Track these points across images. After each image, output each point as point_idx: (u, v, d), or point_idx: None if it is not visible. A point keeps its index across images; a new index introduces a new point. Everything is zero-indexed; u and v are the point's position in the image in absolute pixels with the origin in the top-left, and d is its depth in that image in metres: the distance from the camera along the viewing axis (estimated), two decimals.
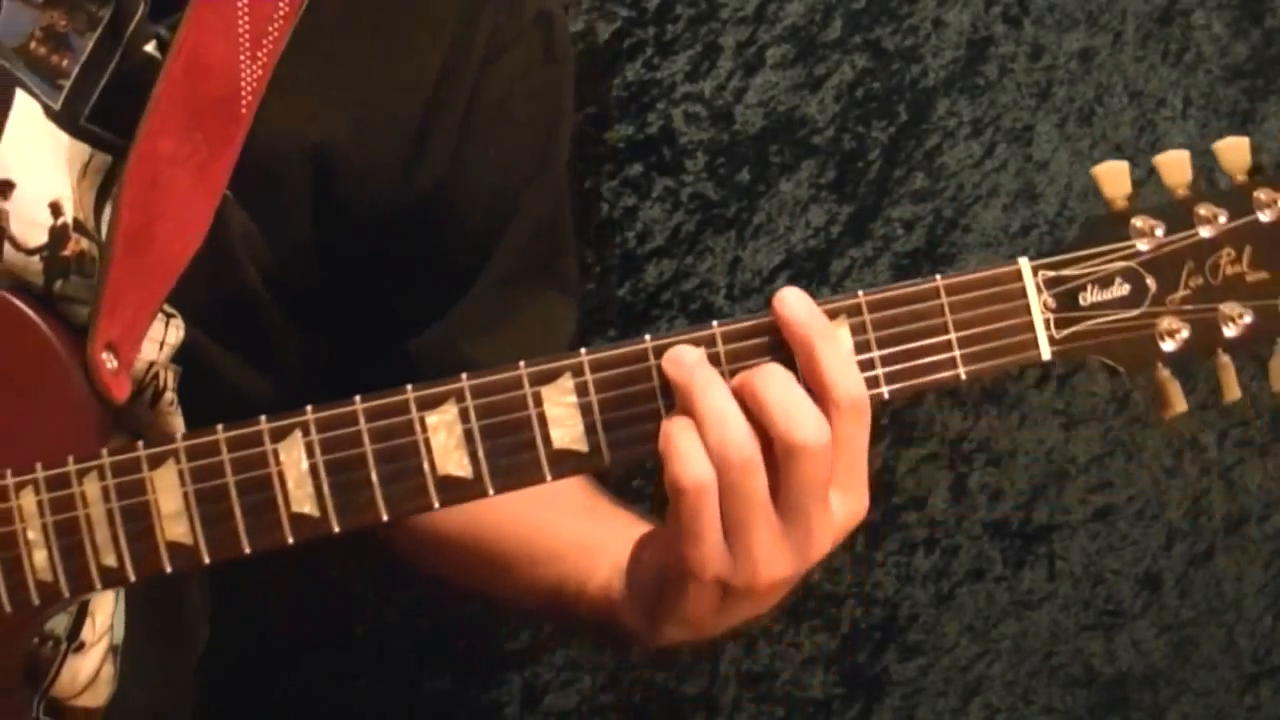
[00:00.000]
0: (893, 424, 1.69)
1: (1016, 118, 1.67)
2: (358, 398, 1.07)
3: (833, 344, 1.06)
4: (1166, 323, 1.11)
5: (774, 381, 1.05)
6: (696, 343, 1.07)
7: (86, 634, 1.19)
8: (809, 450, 1.04)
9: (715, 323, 1.08)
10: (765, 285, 1.66)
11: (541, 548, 1.26)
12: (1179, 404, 1.12)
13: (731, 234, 1.65)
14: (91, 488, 1.08)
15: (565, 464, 1.08)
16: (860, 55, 1.65)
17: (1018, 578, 1.73)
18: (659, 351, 1.07)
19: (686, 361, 1.06)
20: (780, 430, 1.04)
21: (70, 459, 1.08)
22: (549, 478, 1.07)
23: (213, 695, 1.44)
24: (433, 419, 1.07)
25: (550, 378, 1.07)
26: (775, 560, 1.06)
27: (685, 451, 1.04)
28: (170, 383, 1.21)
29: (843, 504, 1.07)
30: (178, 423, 1.21)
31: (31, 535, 1.08)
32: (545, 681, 1.69)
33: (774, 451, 1.04)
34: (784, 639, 1.70)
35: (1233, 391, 1.13)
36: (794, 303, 1.06)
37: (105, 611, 1.20)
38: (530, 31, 1.28)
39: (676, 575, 1.08)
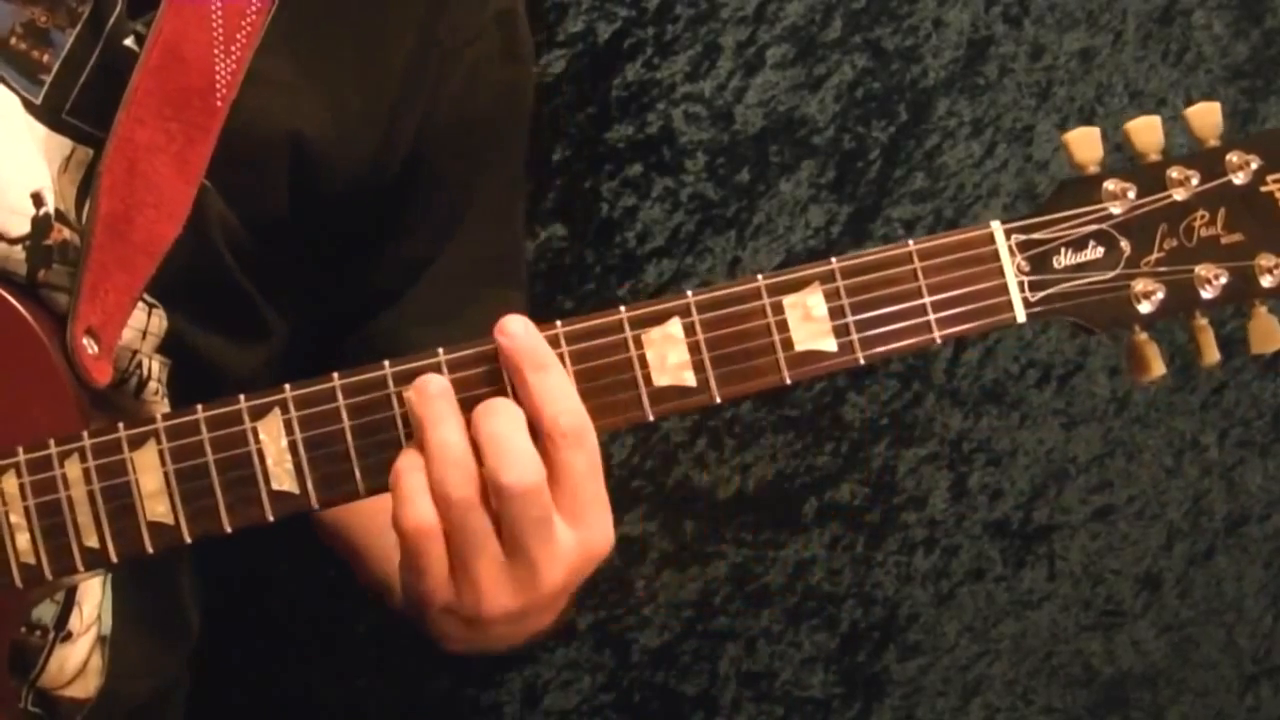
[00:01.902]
0: (893, 424, 1.69)
1: (1017, 118, 1.67)
2: (335, 374, 1.08)
3: (546, 372, 1.06)
4: (1142, 285, 1.11)
5: (491, 418, 1.05)
6: (671, 313, 1.08)
7: (74, 624, 1.19)
8: (517, 490, 1.04)
9: (689, 291, 1.09)
10: None
11: (377, 546, 1.27)
12: (1157, 367, 1.13)
13: (731, 234, 1.65)
14: (73, 469, 1.09)
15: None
16: (860, 55, 1.65)
17: (1018, 578, 1.73)
18: (634, 322, 1.08)
19: (428, 392, 1.06)
20: (490, 470, 1.04)
21: (52, 441, 1.09)
22: None
23: (213, 695, 1.44)
24: (410, 394, 1.07)
25: None
26: (500, 593, 1.07)
27: (409, 492, 1.05)
28: (156, 373, 1.22)
29: (573, 534, 1.07)
30: (163, 412, 1.21)
31: (14, 518, 1.09)
32: (545, 681, 1.69)
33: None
34: (784, 639, 1.70)
35: (1211, 354, 1.13)
36: (513, 330, 1.07)
37: (93, 602, 1.21)
38: (490, 28, 1.30)
39: (414, 602, 1.09)
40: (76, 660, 1.20)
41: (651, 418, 1.09)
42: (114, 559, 1.09)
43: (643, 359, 1.09)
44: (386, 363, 1.08)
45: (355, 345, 1.27)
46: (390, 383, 1.08)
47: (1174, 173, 1.12)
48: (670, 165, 1.64)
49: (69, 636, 1.19)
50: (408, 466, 1.05)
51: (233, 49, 1.18)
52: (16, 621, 1.14)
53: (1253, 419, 1.72)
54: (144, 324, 1.20)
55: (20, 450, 1.09)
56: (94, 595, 1.21)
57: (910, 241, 1.10)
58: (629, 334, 1.08)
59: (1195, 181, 1.12)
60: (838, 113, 1.65)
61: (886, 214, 1.66)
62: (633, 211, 1.64)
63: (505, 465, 1.04)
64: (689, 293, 1.09)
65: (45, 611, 1.18)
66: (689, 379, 1.09)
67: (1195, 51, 1.68)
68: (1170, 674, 1.76)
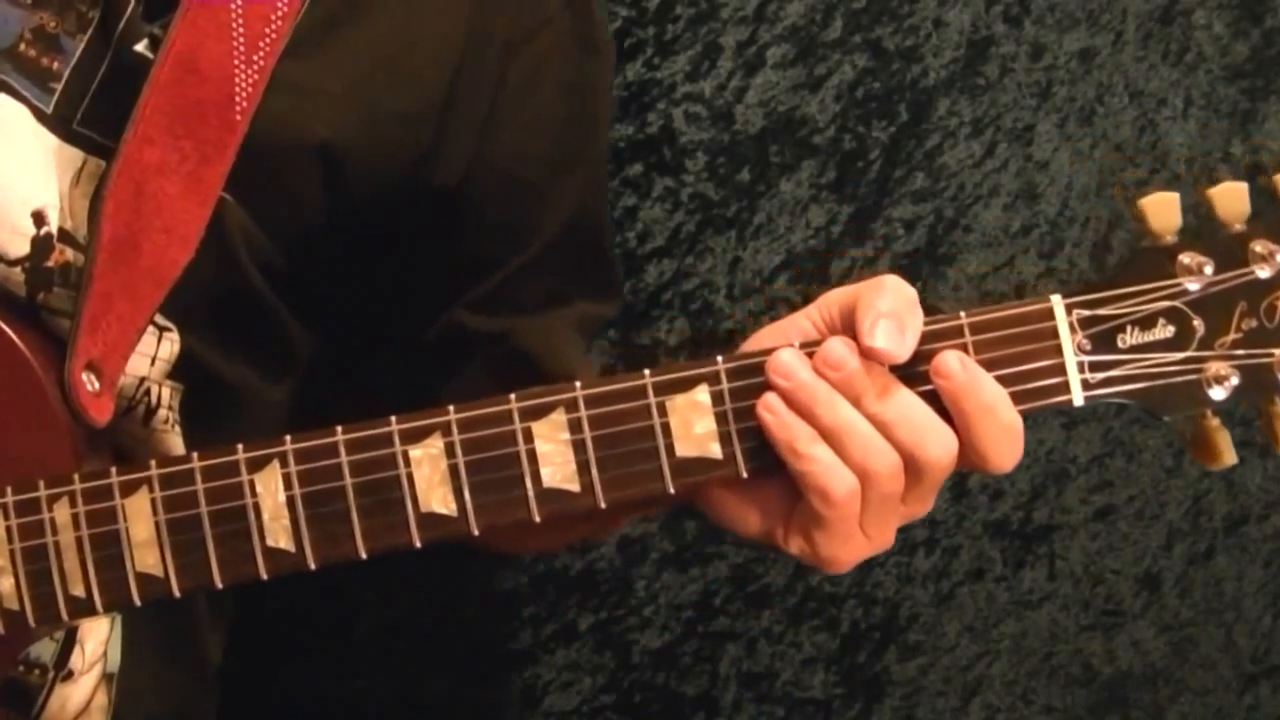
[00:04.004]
0: None
1: (1017, 117, 1.67)
2: (339, 428, 1.04)
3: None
4: (1215, 368, 1.04)
5: (893, 401, 1.03)
6: (699, 379, 1.03)
7: (75, 662, 1.16)
8: (944, 463, 1.03)
9: (720, 357, 1.04)
10: (765, 285, 1.65)
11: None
12: (1228, 456, 1.06)
13: (731, 234, 1.65)
14: (62, 513, 1.04)
15: (555, 503, 1.03)
16: (860, 55, 1.64)
17: (1018, 578, 1.73)
18: (658, 388, 1.03)
19: (804, 380, 1.02)
20: (909, 445, 1.03)
21: (41, 483, 1.05)
22: (537, 518, 1.03)
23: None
24: (416, 452, 1.03)
25: (542, 412, 1.03)
26: (893, 531, 1.07)
27: (829, 463, 1.02)
28: (166, 400, 1.17)
29: None
30: (174, 442, 1.18)
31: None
32: (545, 682, 1.69)
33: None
34: (784, 639, 1.70)
35: None
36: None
37: (97, 639, 1.17)
38: (559, 18, 1.24)
39: (813, 560, 1.06)
40: (79, 699, 1.17)
41: (672, 490, 1.04)
42: (100, 609, 1.05)
43: (666, 427, 1.03)
44: (394, 419, 1.03)
45: (408, 353, 1.24)
46: (396, 440, 1.03)
47: (1257, 247, 1.03)
48: (670, 165, 1.64)
49: (70, 675, 1.16)
50: (815, 442, 1.02)
51: (255, 58, 1.13)
52: (8, 663, 1.11)
53: (1253, 419, 1.72)
54: (153, 349, 1.15)
55: (9, 490, 1.05)
56: (99, 632, 1.18)
57: (962, 313, 1.03)
58: (652, 400, 1.03)
59: None
60: (838, 113, 1.65)
61: (887, 214, 1.66)
62: (633, 211, 1.64)
63: (928, 442, 1.02)
64: (719, 359, 1.03)
65: (44, 650, 1.14)
66: (715, 451, 1.03)
67: (1195, 51, 1.68)
68: (1170, 674, 1.76)
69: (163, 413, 1.17)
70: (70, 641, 1.16)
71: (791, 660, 1.71)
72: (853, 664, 1.71)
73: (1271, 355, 1.04)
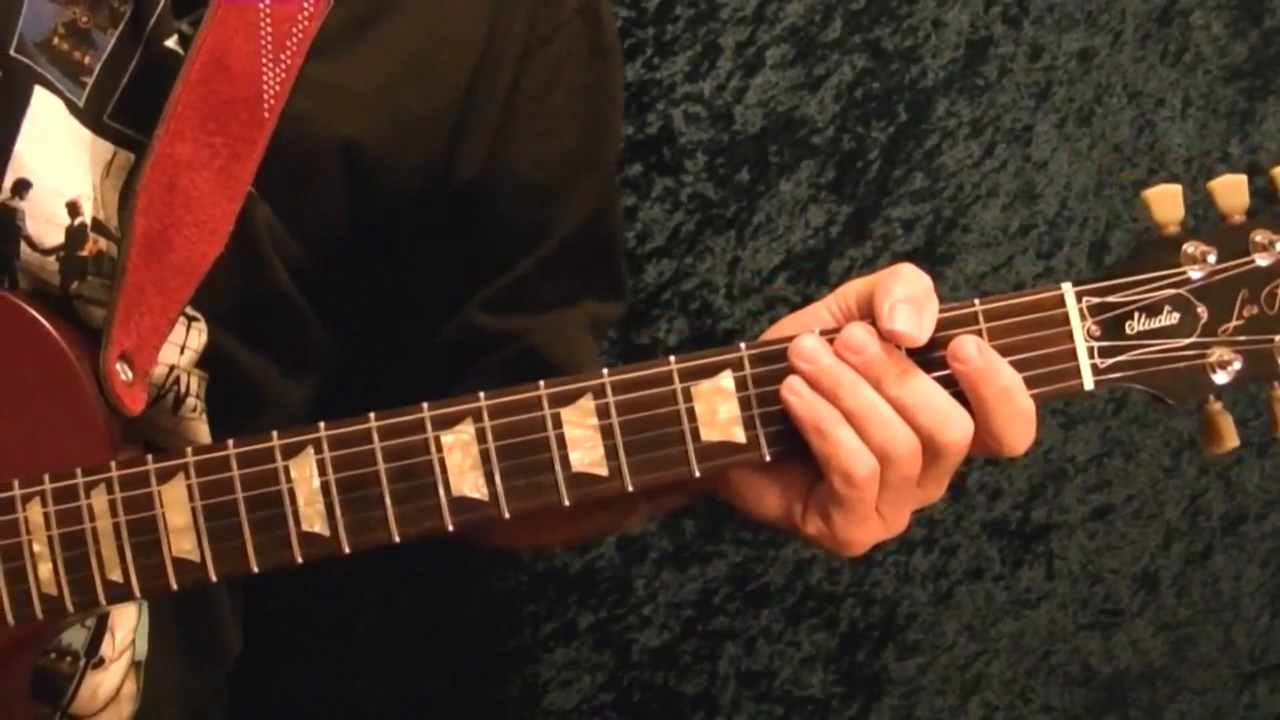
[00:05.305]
0: None
1: (1016, 118, 1.67)
2: (372, 415, 1.06)
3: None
4: (1218, 353, 1.07)
5: (912, 385, 1.05)
6: (723, 365, 1.06)
7: (106, 650, 1.17)
8: (962, 445, 1.06)
9: (743, 344, 1.07)
10: (765, 285, 1.65)
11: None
12: (1230, 439, 1.09)
13: (731, 234, 1.65)
14: (99, 500, 1.06)
15: (584, 487, 1.06)
16: (860, 55, 1.65)
17: (1016, 577, 1.73)
18: (684, 374, 1.06)
19: (827, 364, 1.05)
20: (928, 429, 1.05)
21: (79, 470, 1.07)
22: (566, 501, 1.06)
23: None
24: (448, 438, 1.05)
25: (570, 398, 1.06)
26: (908, 514, 1.09)
27: (853, 445, 1.04)
28: (194, 388, 1.19)
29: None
30: (201, 429, 1.20)
31: (37, 548, 1.07)
32: (545, 681, 1.69)
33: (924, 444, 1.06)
34: (783, 638, 1.71)
35: None
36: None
37: (127, 627, 1.19)
38: (572, 22, 1.26)
39: (829, 541, 1.09)
40: (109, 687, 1.18)
41: (698, 473, 1.06)
42: (137, 594, 1.07)
43: (691, 412, 1.06)
44: (425, 405, 1.05)
45: (424, 355, 1.25)
46: (428, 426, 1.05)
47: (1258, 236, 1.07)
48: (670, 165, 1.64)
49: (101, 663, 1.17)
50: (839, 423, 1.05)
51: (282, 57, 1.15)
52: (38, 649, 1.12)
53: (1250, 419, 1.72)
54: (183, 338, 1.17)
55: (46, 478, 1.07)
56: (129, 620, 1.19)
57: (976, 301, 1.06)
58: (678, 386, 1.06)
59: None
60: (837, 113, 1.65)
61: (886, 214, 1.66)
62: (633, 211, 1.64)
63: (946, 426, 1.05)
64: (742, 345, 1.06)
65: (75, 637, 1.16)
66: (739, 435, 1.06)
67: (1194, 52, 1.69)
68: (1168, 673, 1.76)
69: (190, 400, 1.19)
70: (101, 628, 1.17)
71: (790, 659, 1.71)
72: (851, 663, 1.72)
73: (1272, 341, 1.08)
